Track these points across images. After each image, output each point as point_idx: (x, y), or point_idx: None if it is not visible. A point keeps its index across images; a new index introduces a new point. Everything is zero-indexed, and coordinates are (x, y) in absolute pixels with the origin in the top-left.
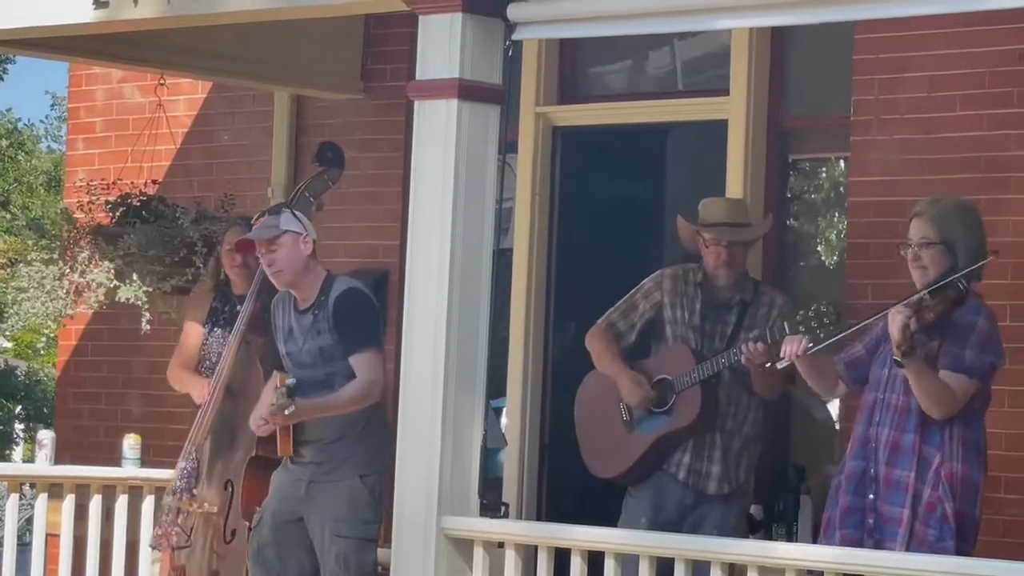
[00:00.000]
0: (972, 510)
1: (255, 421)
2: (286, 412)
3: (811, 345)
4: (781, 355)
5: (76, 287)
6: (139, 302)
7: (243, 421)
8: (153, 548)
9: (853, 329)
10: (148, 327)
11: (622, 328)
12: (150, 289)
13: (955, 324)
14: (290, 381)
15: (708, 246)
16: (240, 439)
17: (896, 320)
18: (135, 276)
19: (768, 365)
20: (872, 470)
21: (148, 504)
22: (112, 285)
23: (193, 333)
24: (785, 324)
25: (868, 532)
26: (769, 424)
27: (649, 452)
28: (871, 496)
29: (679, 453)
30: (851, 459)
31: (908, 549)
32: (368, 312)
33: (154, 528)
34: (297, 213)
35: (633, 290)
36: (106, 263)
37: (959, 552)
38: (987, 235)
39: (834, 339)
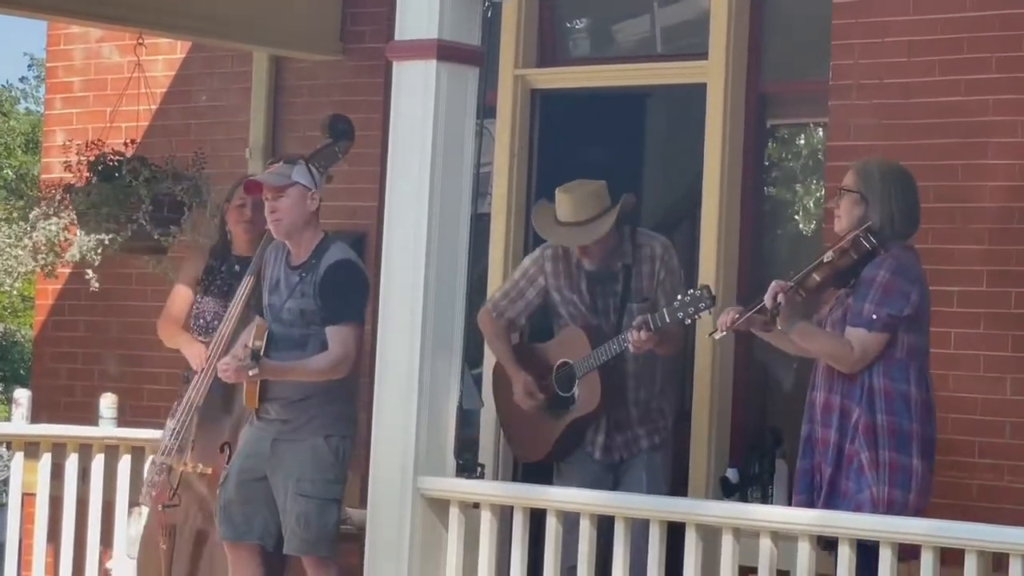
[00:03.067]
0: (907, 459)
1: (221, 365)
2: (249, 373)
3: (738, 316)
4: (717, 327)
5: (35, 245)
6: (87, 257)
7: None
8: (143, 504)
9: (756, 308)
10: (97, 285)
11: (511, 315)
12: (99, 244)
13: (860, 280)
14: (256, 344)
15: None
16: (236, 402)
17: (769, 291)
18: (83, 233)
19: (709, 335)
20: (815, 433)
21: (124, 464)
22: (62, 239)
23: (182, 294)
24: (665, 312)
25: (816, 493)
26: (745, 387)
27: (564, 436)
28: (817, 458)
29: (591, 432)
30: (803, 424)
31: (833, 503)
32: (356, 286)
33: (145, 486)
34: (312, 168)
35: (517, 273)
36: (55, 219)
37: (893, 500)
38: (919, 203)
39: (751, 312)
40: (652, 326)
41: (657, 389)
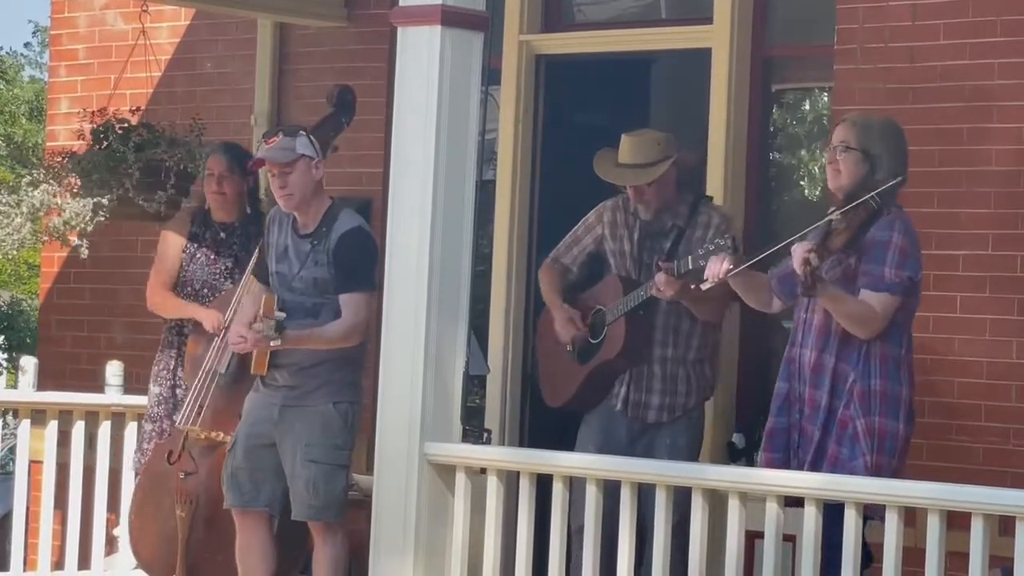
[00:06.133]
0: (895, 424)
1: (234, 336)
2: (271, 343)
3: (731, 267)
4: (705, 276)
5: (29, 212)
6: (79, 227)
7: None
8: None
9: (768, 253)
10: (86, 253)
11: (567, 262)
12: (85, 210)
13: (870, 242)
14: (279, 315)
15: None
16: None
17: (796, 256)
18: (74, 200)
19: (693, 287)
20: (797, 390)
21: (131, 430)
22: (54, 206)
23: (173, 245)
24: (689, 259)
25: (793, 452)
26: (750, 352)
27: (587, 382)
28: (796, 416)
29: (618, 385)
30: (778, 380)
31: (822, 468)
32: (369, 254)
33: (136, 455)
34: (312, 138)
35: (579, 223)
36: (44, 186)
37: (880, 467)
38: (908, 160)
39: (754, 261)
40: (675, 271)
41: (688, 356)
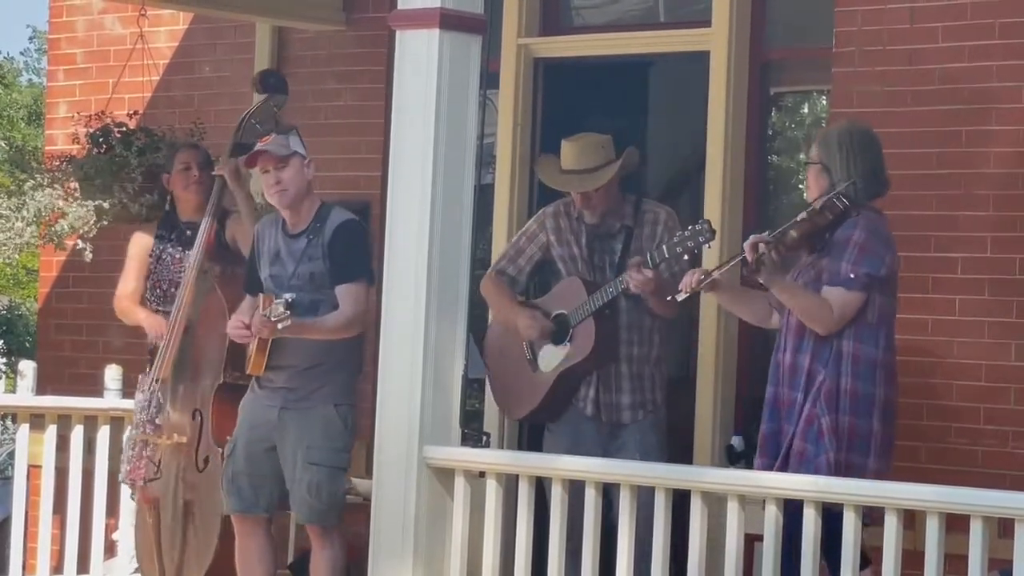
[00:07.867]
0: (867, 423)
1: (235, 326)
2: (279, 325)
3: (704, 277)
4: (680, 288)
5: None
6: (81, 230)
7: (204, 350)
8: (123, 482)
9: (735, 261)
10: (90, 256)
11: (512, 273)
12: (90, 214)
13: (835, 241)
14: (289, 296)
15: None
16: (203, 368)
17: (748, 242)
18: (76, 204)
19: (669, 299)
20: (781, 394)
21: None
22: (55, 210)
23: (141, 245)
24: (664, 248)
25: (783, 456)
26: (750, 354)
27: (554, 388)
28: (783, 421)
29: (585, 388)
30: (767, 386)
31: (790, 465)
32: (364, 245)
33: (122, 464)
34: (302, 138)
35: (518, 234)
36: (48, 190)
37: (851, 465)
38: (883, 163)
39: (725, 268)
40: (650, 262)
41: (652, 354)
